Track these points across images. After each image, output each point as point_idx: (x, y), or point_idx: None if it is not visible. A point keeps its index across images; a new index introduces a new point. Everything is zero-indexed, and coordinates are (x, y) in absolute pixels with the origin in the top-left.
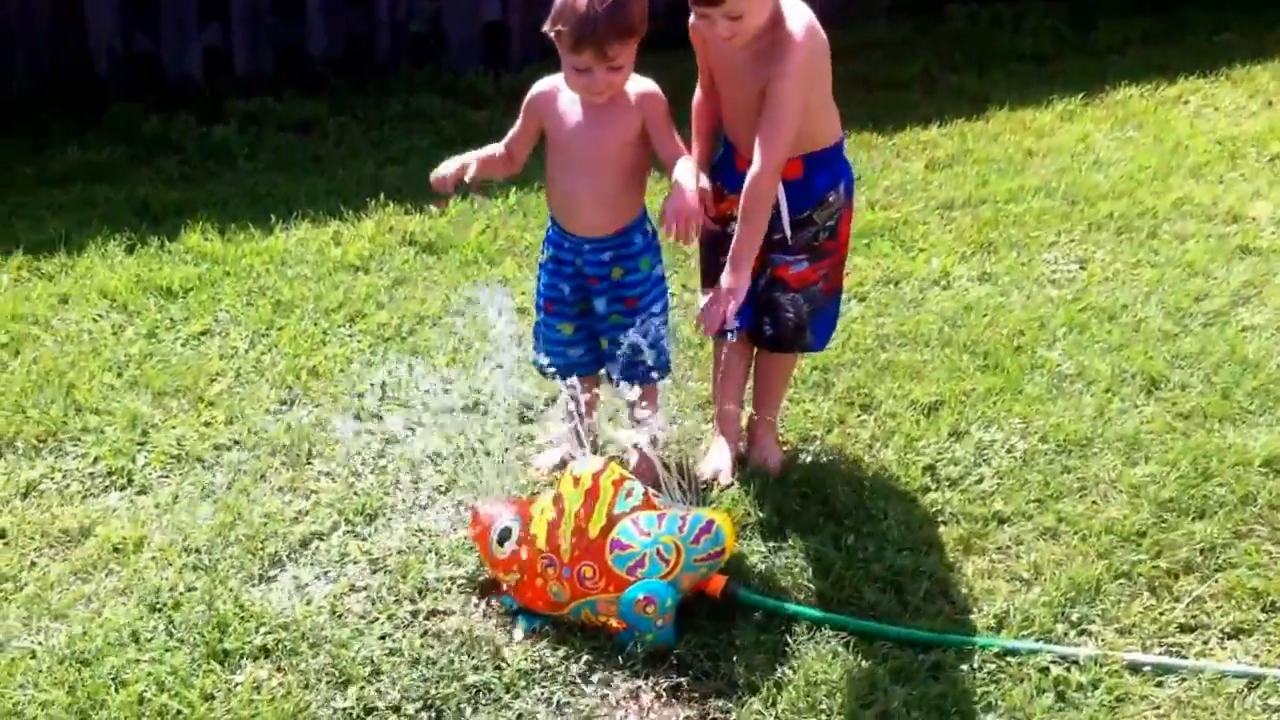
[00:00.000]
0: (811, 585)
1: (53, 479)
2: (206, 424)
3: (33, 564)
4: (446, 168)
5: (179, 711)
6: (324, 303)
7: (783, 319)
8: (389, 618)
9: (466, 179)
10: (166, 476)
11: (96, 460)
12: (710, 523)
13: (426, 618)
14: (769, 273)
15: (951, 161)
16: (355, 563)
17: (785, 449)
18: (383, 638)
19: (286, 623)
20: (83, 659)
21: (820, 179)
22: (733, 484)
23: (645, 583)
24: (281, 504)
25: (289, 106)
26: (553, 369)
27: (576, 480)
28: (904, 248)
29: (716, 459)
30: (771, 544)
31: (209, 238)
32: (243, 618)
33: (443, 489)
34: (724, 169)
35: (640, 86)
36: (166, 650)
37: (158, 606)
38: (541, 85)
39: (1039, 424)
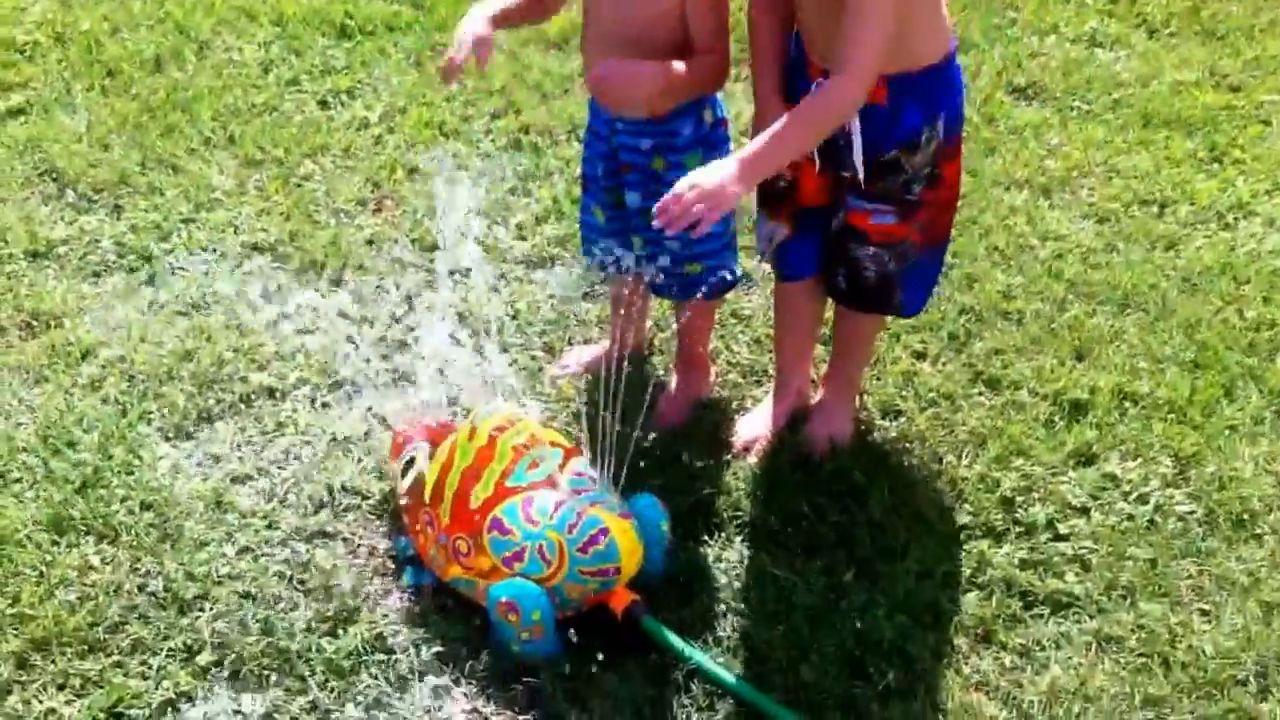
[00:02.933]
0: (756, 636)
1: (78, 242)
2: (263, 212)
3: None
4: (456, 52)
5: None
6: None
7: (862, 276)
8: (267, 526)
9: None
10: (180, 271)
11: (132, 229)
12: (603, 532)
13: (307, 538)
14: (843, 217)
15: None
16: (281, 437)
17: (860, 419)
18: (241, 551)
19: (158, 502)
20: None
21: (911, 111)
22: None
23: (513, 583)
24: (260, 340)
25: None
26: (588, 259)
27: (473, 432)
28: (1210, 157)
29: (755, 424)
30: (749, 554)
31: None
32: (118, 485)
33: (437, 372)
34: (792, 76)
35: None
36: (19, 498)
37: (49, 437)
38: None
39: (1208, 471)
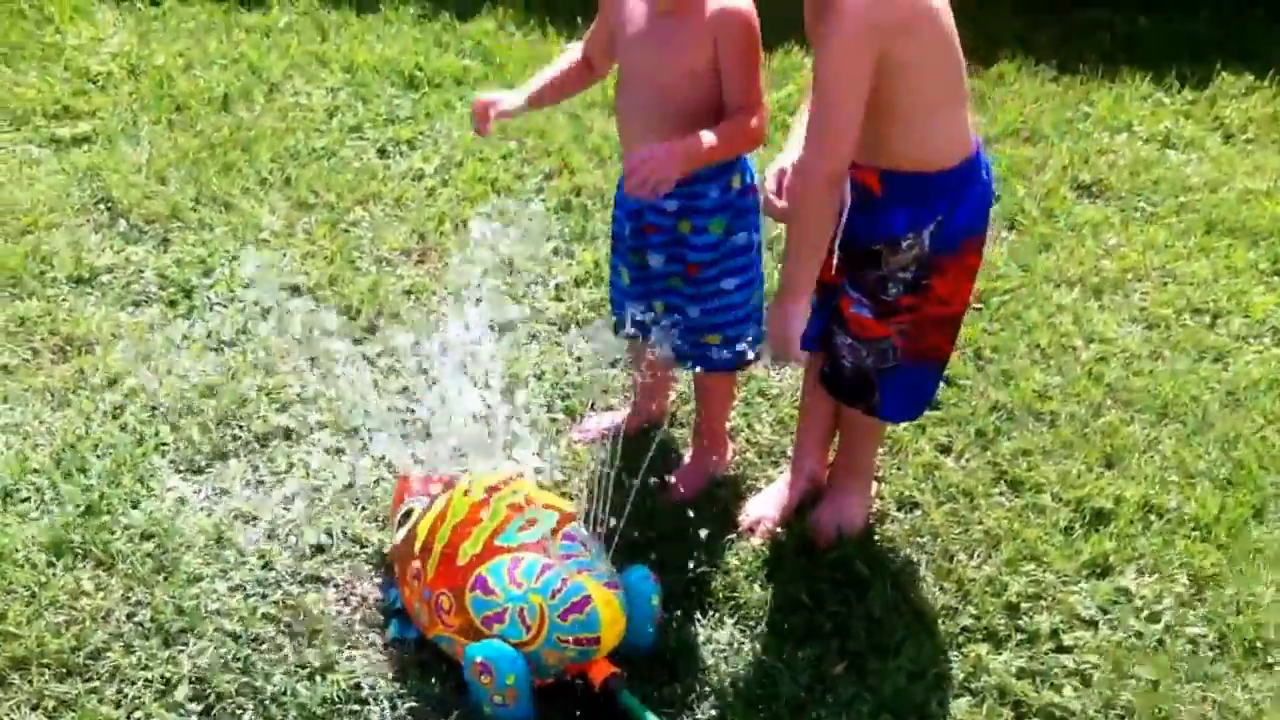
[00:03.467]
0: None
1: (122, 271)
2: (307, 255)
3: (6, 367)
4: (488, 107)
5: None
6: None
7: (840, 365)
8: (263, 566)
9: (496, 109)
10: (218, 307)
11: (177, 263)
12: (586, 600)
13: (300, 581)
14: (835, 300)
15: None
16: (291, 479)
17: (873, 509)
18: (234, 589)
19: (159, 533)
20: None
21: (896, 210)
22: (770, 536)
23: (490, 644)
24: (285, 381)
25: None
26: (617, 321)
27: (469, 488)
28: (1271, 269)
29: (764, 504)
30: (739, 636)
31: (507, 29)
32: (122, 513)
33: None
34: None
35: (726, 0)
36: (23, 517)
37: (62, 460)
38: None
39: (1226, 594)
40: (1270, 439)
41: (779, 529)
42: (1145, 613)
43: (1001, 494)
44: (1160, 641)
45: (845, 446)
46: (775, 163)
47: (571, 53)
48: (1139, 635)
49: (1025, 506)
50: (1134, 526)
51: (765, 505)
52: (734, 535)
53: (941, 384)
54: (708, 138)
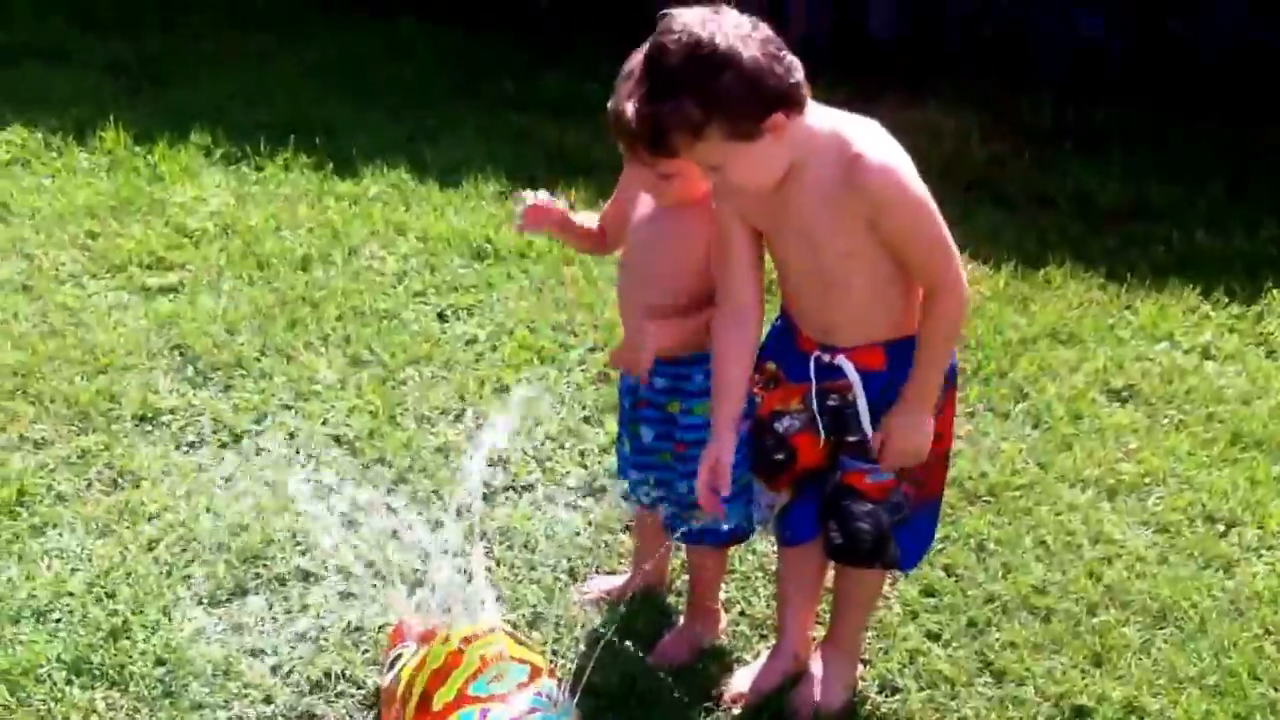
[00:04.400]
0: None
1: (183, 414)
2: (354, 409)
3: (60, 496)
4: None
5: (3, 705)
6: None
7: (856, 531)
8: (264, 700)
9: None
10: (263, 451)
11: (234, 409)
12: None
13: (297, 718)
14: (838, 478)
15: None
16: (303, 618)
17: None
18: (231, 719)
19: (172, 660)
20: None
21: (906, 376)
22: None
23: None
24: (310, 526)
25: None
26: (623, 488)
27: (447, 638)
28: None
29: (750, 676)
30: None
31: (574, 208)
32: (141, 639)
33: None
34: (781, 346)
35: None
36: (51, 636)
37: (95, 585)
38: None
39: None
40: (1266, 650)
41: (759, 703)
42: None
43: (985, 684)
44: None
45: (839, 623)
46: (724, 444)
47: (592, 218)
48: None
49: (1005, 698)
50: None
51: (748, 679)
52: (713, 705)
53: (941, 573)
54: (686, 323)
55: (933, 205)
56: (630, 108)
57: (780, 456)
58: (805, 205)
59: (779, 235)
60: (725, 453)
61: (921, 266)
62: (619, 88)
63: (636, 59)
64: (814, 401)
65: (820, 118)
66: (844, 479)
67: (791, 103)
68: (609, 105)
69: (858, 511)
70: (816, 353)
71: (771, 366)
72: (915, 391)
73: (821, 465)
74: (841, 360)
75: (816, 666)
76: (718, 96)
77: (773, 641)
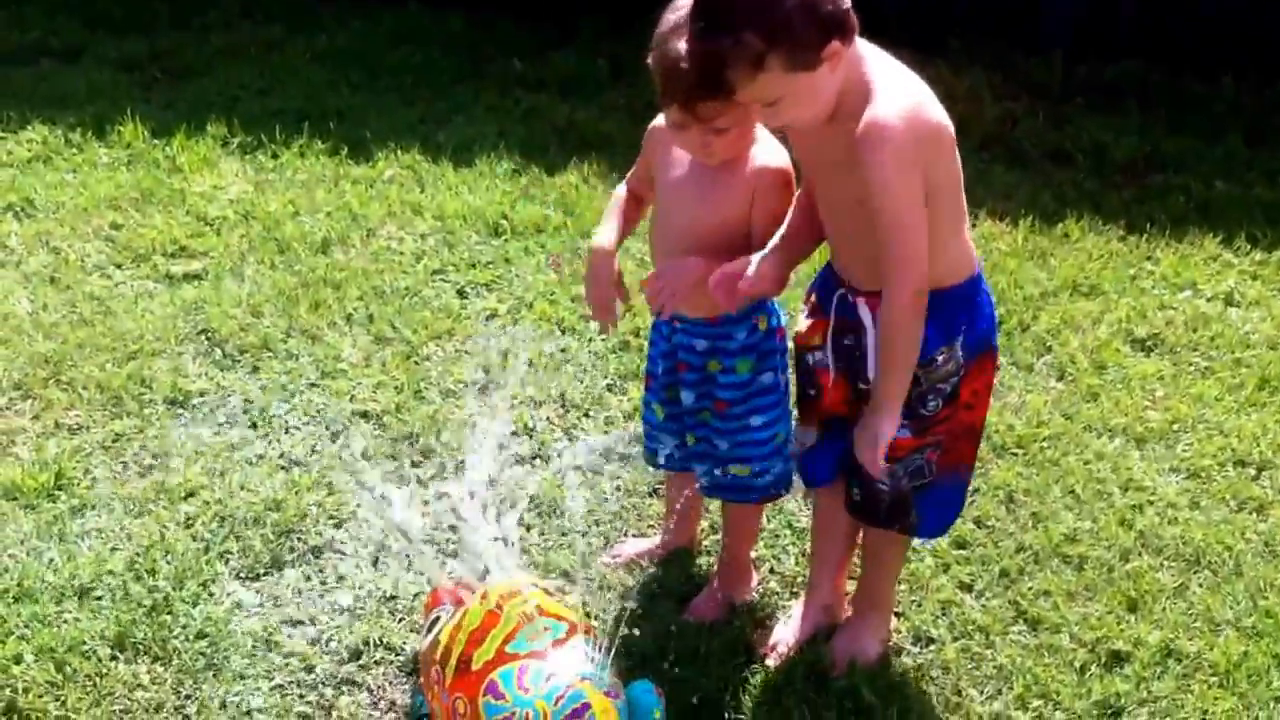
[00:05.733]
0: None
1: (213, 396)
2: (379, 385)
3: (97, 478)
4: (596, 312)
5: (49, 682)
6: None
7: (873, 489)
8: (305, 669)
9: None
10: (293, 429)
11: (262, 389)
12: (585, 707)
13: (336, 685)
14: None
15: None
16: (339, 589)
17: (889, 642)
18: (275, 688)
19: (213, 633)
20: (23, 593)
21: (929, 330)
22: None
23: None
24: (344, 500)
25: None
26: (648, 455)
27: (484, 596)
28: None
29: (784, 630)
30: None
31: (590, 182)
32: (182, 613)
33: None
34: (822, 279)
35: (767, 157)
36: (95, 613)
37: (135, 563)
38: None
39: None
40: None
41: (793, 654)
42: None
43: (1019, 632)
44: None
45: (867, 578)
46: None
47: (620, 193)
48: None
49: (1041, 645)
50: (1151, 670)
51: (781, 633)
52: (747, 660)
53: (971, 525)
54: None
55: (912, 193)
56: (682, 50)
57: (813, 392)
58: (835, 142)
59: (813, 167)
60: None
61: (882, 243)
62: (662, 43)
63: (678, 9)
64: (830, 338)
65: (868, 60)
66: None
67: (846, 29)
68: (652, 61)
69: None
70: (841, 291)
71: (814, 298)
72: (875, 398)
73: (845, 413)
74: (859, 303)
75: (851, 620)
76: (779, 25)
77: (804, 597)
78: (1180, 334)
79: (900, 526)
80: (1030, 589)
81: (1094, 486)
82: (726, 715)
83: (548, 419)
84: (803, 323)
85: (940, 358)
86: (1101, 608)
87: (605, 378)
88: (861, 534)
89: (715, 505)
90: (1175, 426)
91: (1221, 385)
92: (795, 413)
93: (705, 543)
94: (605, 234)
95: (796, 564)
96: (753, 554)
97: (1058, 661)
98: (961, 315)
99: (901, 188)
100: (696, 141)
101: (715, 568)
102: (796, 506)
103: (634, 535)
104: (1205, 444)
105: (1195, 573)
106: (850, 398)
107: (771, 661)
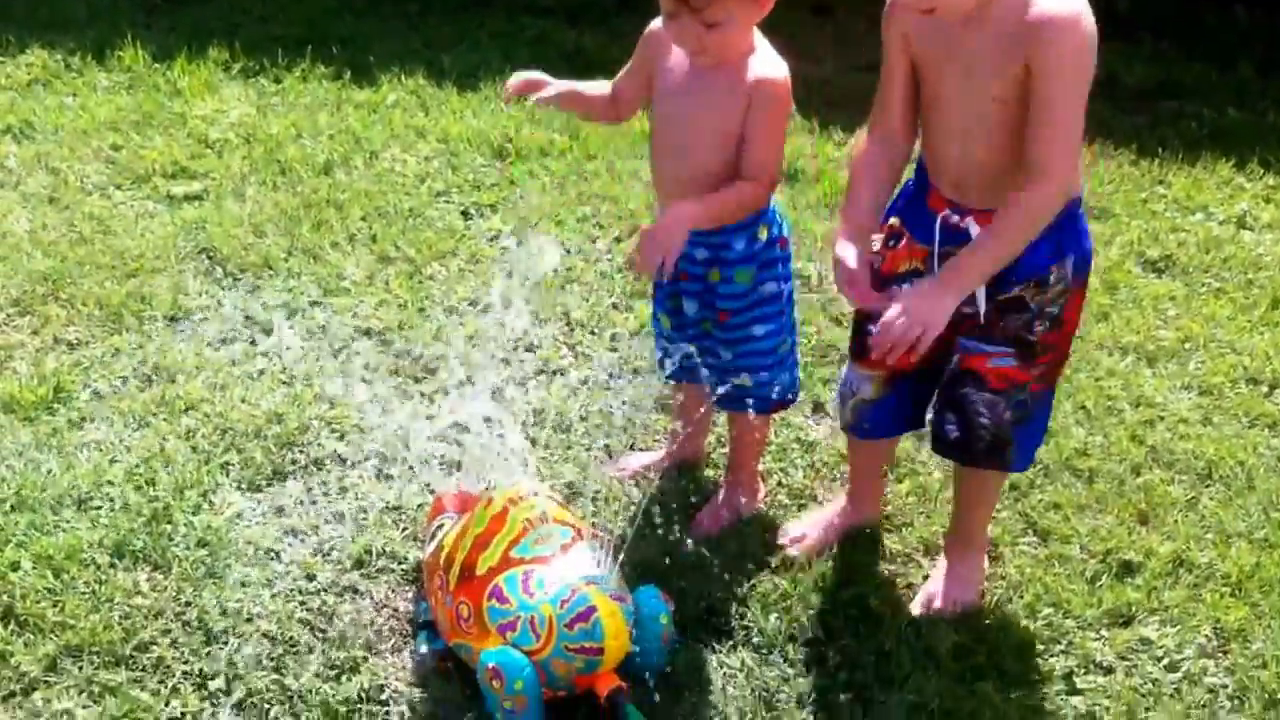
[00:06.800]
0: None
1: (213, 313)
2: (381, 303)
3: (97, 392)
4: (520, 76)
5: (46, 589)
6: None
7: (976, 425)
8: (306, 577)
9: (534, 99)
10: (295, 347)
11: (264, 306)
12: (591, 610)
13: (338, 592)
14: (956, 361)
15: None
16: (341, 500)
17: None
18: (275, 596)
19: (214, 542)
20: (21, 502)
21: (1041, 248)
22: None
23: (502, 650)
24: (346, 413)
25: None
26: (659, 363)
27: (489, 501)
28: None
29: (808, 523)
30: (750, 663)
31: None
32: (183, 522)
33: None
34: (910, 206)
35: (765, 68)
36: (93, 522)
37: (134, 474)
38: (660, 22)
39: (1252, 648)
40: None
41: (816, 556)
42: (1164, 661)
43: (1029, 543)
44: (1177, 689)
45: (961, 519)
46: (845, 248)
47: (601, 84)
48: (1155, 682)
49: (1051, 556)
50: (1162, 580)
51: (804, 526)
52: (756, 569)
53: None
54: (697, 208)
55: (1083, 89)
56: None
57: (872, 328)
58: (977, 38)
59: (939, 69)
60: (847, 259)
61: (1036, 138)
62: None
63: None
64: (936, 264)
65: None
66: (963, 363)
67: None
68: None
69: (978, 401)
70: (945, 212)
71: (896, 221)
72: (952, 268)
73: (922, 366)
74: (969, 223)
75: (948, 563)
76: None
77: (811, 510)
78: (1192, 255)
79: (997, 464)
80: (1040, 501)
81: (1105, 403)
82: (734, 623)
83: (553, 337)
84: (884, 253)
85: (1053, 276)
86: (1112, 520)
87: (611, 296)
88: (954, 475)
89: (723, 418)
90: (1187, 345)
91: (1234, 305)
92: (850, 359)
93: (712, 455)
94: (558, 82)
95: (805, 477)
96: (760, 466)
97: (1068, 571)
98: (1070, 235)
99: (1078, 81)
100: (690, 34)
101: (723, 482)
102: (803, 419)
103: (639, 449)
104: (1217, 362)
105: (1207, 486)
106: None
107: (792, 551)
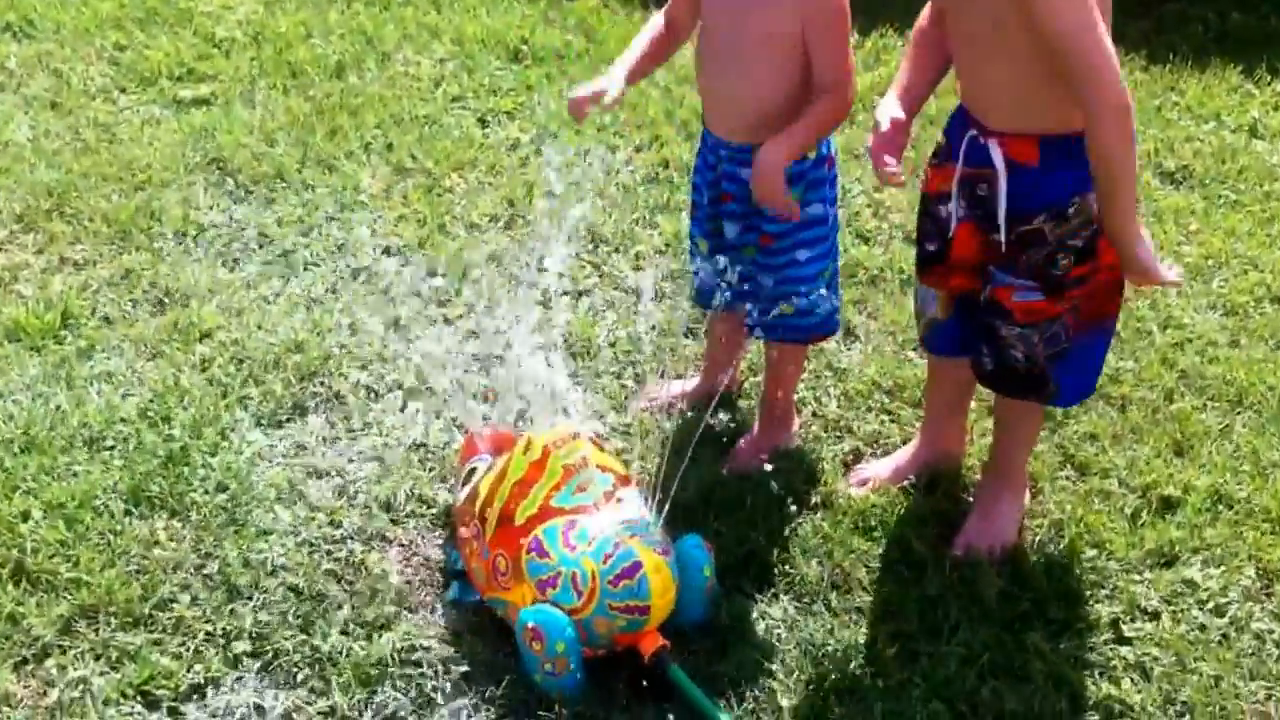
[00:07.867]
0: (784, 702)
1: (225, 229)
2: (401, 218)
3: (106, 318)
4: (583, 90)
5: (59, 541)
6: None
7: (1008, 356)
8: (331, 523)
9: (603, 104)
10: (311, 266)
11: (278, 222)
12: (635, 566)
13: (365, 540)
14: (988, 291)
15: None
16: (366, 436)
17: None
18: (300, 545)
19: (233, 487)
20: (30, 443)
21: (1063, 177)
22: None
23: (542, 609)
24: (368, 340)
25: None
26: (696, 292)
27: (528, 446)
28: None
29: (878, 465)
30: (793, 613)
31: (610, 6)
32: (200, 464)
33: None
34: (953, 123)
35: None
36: (106, 465)
37: (149, 411)
38: None
39: None
40: None
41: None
42: (1210, 605)
43: (1067, 478)
44: (1225, 636)
45: (999, 449)
46: (882, 109)
47: (655, 22)
48: (1202, 629)
49: (1090, 491)
50: (1202, 516)
51: (876, 468)
52: (797, 510)
53: None
54: (789, 143)
55: (1089, 13)
56: None
57: (932, 247)
58: None
59: None
60: (881, 120)
61: (1070, 68)
62: None
63: None
64: (960, 186)
65: None
66: (991, 293)
67: None
68: None
69: (1007, 335)
70: (972, 132)
71: (941, 139)
72: (1121, 218)
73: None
74: (991, 144)
75: (982, 501)
76: None
77: (848, 442)
78: (1208, 165)
79: (1039, 396)
80: (1076, 432)
81: (1133, 325)
82: (776, 569)
83: (577, 255)
84: (929, 171)
85: (1072, 209)
86: (1149, 451)
87: (634, 211)
88: (994, 406)
89: (757, 345)
90: (1210, 262)
91: (1252, 219)
92: (916, 276)
93: (745, 384)
94: (616, 74)
95: (839, 406)
96: (794, 396)
97: (1109, 509)
98: None
99: (1077, 17)
100: None
101: (757, 413)
102: (836, 345)
103: (671, 378)
104: (1240, 279)
105: (1239, 413)
106: (980, 252)
107: (857, 492)
